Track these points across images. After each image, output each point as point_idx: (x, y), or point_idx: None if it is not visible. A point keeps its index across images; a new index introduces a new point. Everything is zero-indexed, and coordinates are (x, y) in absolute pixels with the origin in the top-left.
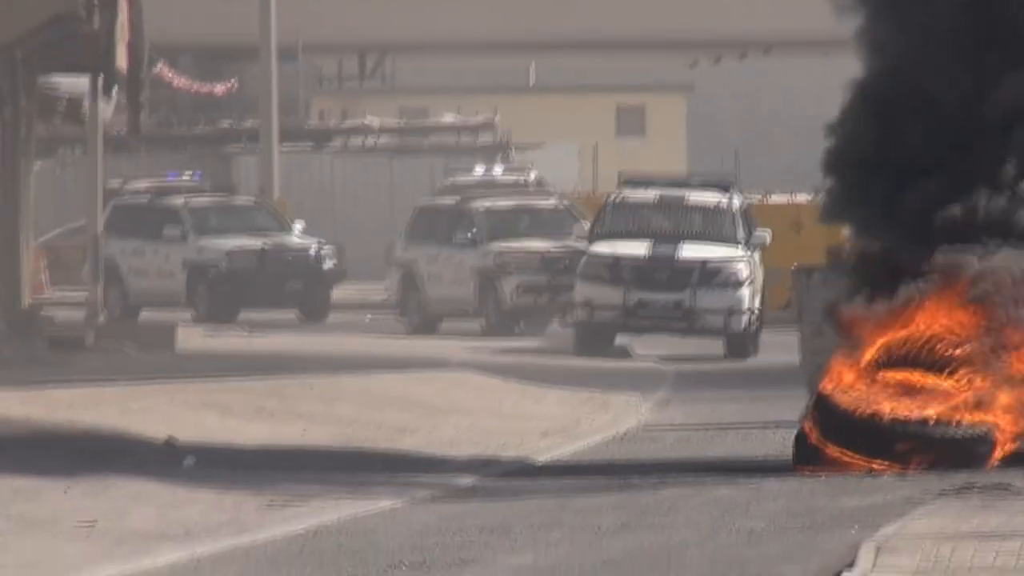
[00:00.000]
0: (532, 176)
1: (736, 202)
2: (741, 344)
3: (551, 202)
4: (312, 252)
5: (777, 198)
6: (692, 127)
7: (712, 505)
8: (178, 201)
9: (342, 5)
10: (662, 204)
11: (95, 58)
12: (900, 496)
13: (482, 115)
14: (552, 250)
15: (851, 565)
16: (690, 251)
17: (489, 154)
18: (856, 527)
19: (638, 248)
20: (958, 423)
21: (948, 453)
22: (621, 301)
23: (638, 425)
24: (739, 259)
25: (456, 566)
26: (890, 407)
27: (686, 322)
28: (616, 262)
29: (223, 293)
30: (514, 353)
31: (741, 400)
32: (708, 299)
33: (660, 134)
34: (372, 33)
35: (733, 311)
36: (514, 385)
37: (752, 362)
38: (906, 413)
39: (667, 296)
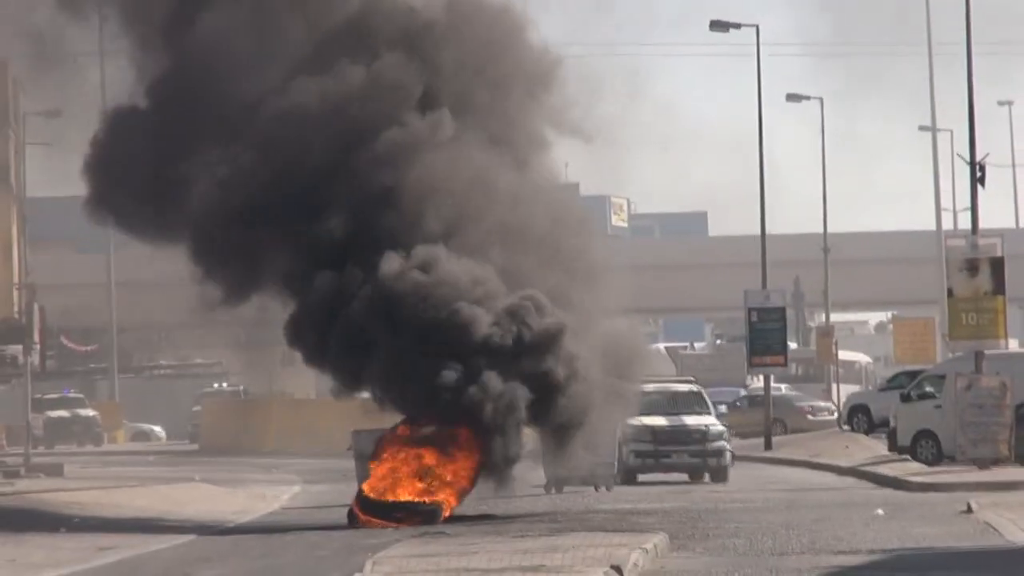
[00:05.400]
0: None
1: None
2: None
3: None
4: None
5: None
6: None
7: (305, 544)
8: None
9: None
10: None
11: (27, 340)
12: (392, 539)
13: None
14: None
15: (360, 570)
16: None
17: None
18: (370, 552)
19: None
20: (424, 502)
21: (411, 518)
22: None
23: (280, 507)
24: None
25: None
26: (392, 496)
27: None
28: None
29: None
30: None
31: (334, 492)
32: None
33: None
34: None
35: None
36: (220, 488)
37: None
38: (404, 498)
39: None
